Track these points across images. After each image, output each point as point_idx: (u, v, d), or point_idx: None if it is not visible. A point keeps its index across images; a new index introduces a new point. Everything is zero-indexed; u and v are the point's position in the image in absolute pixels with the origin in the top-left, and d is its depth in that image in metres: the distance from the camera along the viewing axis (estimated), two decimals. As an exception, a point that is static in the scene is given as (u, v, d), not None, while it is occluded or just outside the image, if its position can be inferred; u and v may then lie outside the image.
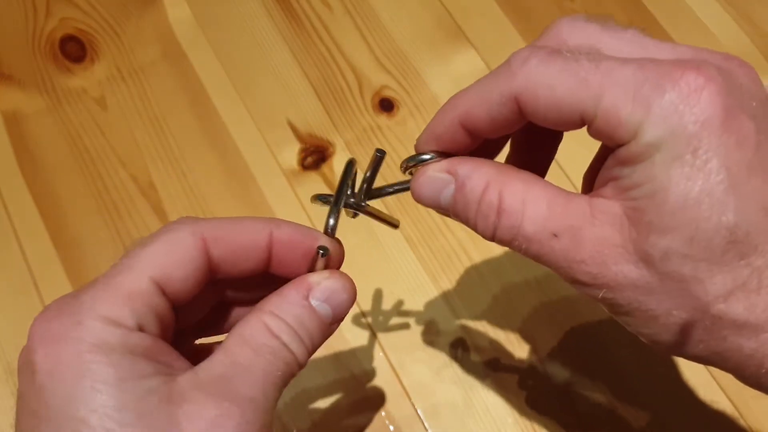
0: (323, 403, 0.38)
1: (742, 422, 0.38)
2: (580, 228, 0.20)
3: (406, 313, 0.40)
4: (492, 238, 0.22)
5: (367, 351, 0.39)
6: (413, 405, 0.38)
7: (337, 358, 0.39)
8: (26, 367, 0.20)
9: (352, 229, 0.42)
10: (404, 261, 0.41)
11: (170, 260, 0.21)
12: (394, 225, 0.27)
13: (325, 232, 0.24)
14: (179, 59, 0.47)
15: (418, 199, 0.24)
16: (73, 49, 0.47)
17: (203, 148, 0.44)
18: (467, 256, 0.41)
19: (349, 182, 0.25)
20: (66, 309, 0.20)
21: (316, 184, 0.43)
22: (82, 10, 0.48)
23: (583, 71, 0.19)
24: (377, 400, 0.38)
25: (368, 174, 0.25)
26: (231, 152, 0.44)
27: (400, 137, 0.45)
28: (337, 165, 0.44)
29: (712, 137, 0.18)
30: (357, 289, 0.25)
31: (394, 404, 0.38)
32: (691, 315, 0.19)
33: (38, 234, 0.41)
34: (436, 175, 0.23)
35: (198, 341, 0.26)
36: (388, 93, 0.46)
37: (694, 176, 0.18)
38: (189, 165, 0.44)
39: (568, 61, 0.20)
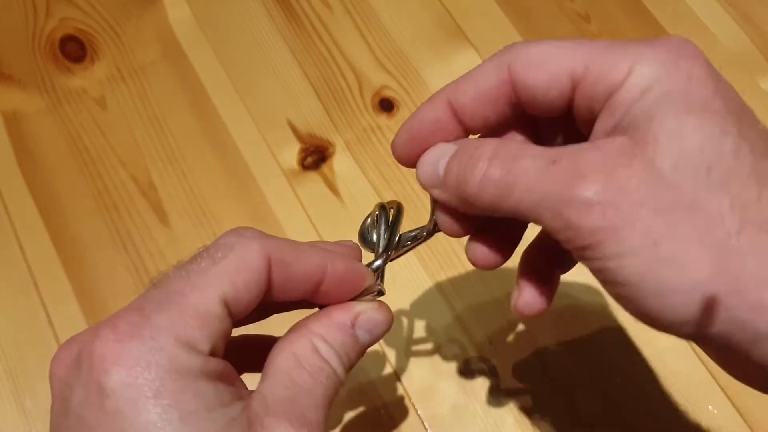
0: (323, 403, 0.38)
1: (742, 422, 0.38)
2: (581, 150, 0.20)
3: (406, 314, 0.40)
4: (480, 191, 0.22)
5: (366, 352, 0.39)
6: (413, 405, 0.38)
7: (337, 358, 0.39)
8: (92, 388, 0.18)
9: (352, 229, 0.42)
10: (404, 261, 0.41)
11: (241, 280, 0.21)
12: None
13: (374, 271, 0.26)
14: (179, 59, 0.47)
15: (420, 165, 0.24)
16: (73, 49, 0.47)
17: (203, 148, 0.44)
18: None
19: (398, 228, 0.27)
20: (141, 330, 0.19)
21: (316, 184, 0.43)
22: (82, 10, 0.48)
23: (570, 44, 0.21)
24: (377, 400, 0.38)
25: (393, 227, 0.28)
26: (231, 152, 0.44)
27: (400, 137, 0.45)
28: (336, 165, 0.44)
29: (701, 85, 0.20)
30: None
31: (394, 404, 0.38)
32: (706, 248, 0.18)
33: (38, 234, 0.41)
34: (443, 144, 0.24)
35: None
36: (388, 93, 0.46)
37: (688, 110, 0.19)
38: (189, 165, 0.44)
39: (552, 41, 0.22)
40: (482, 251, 0.26)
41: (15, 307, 0.40)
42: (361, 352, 0.24)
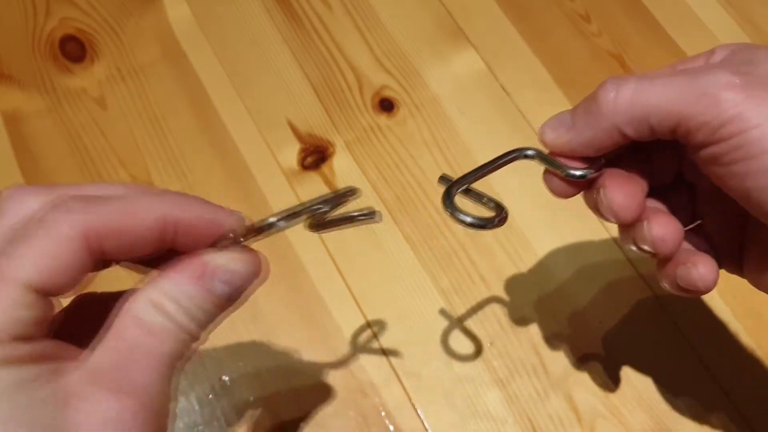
0: (322, 403, 0.38)
1: (742, 421, 0.38)
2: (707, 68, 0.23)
3: (406, 313, 0.40)
4: (616, 107, 0.23)
5: (367, 351, 0.39)
6: (413, 405, 0.38)
7: (337, 357, 0.39)
8: None
9: (352, 230, 0.42)
10: (404, 261, 0.41)
11: (47, 265, 0.19)
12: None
13: (259, 228, 0.22)
14: (179, 59, 0.47)
15: (544, 127, 0.27)
16: (73, 49, 0.47)
17: (203, 148, 0.44)
18: (467, 256, 0.41)
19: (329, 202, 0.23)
20: None
21: (316, 184, 0.43)
22: (81, 10, 0.48)
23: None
24: (377, 399, 0.38)
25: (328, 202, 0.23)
26: (231, 152, 0.44)
27: (400, 137, 0.45)
28: (336, 165, 0.44)
29: None
30: (267, 267, 0.23)
31: (394, 404, 0.38)
32: None
33: (38, 234, 0.41)
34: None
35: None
36: (388, 93, 0.46)
37: None
38: (189, 165, 0.44)
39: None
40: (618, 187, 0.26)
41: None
42: (222, 304, 0.22)
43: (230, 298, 0.22)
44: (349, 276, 0.41)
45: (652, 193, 0.28)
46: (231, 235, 0.22)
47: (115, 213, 0.20)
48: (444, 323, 0.40)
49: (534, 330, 0.40)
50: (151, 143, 0.44)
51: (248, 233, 0.22)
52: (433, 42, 0.48)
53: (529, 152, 0.27)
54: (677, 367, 0.39)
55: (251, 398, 0.38)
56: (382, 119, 0.46)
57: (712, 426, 0.38)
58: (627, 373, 0.39)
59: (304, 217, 0.23)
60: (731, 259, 0.28)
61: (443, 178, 0.27)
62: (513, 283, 0.41)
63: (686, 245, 0.28)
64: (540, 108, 0.46)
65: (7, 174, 0.43)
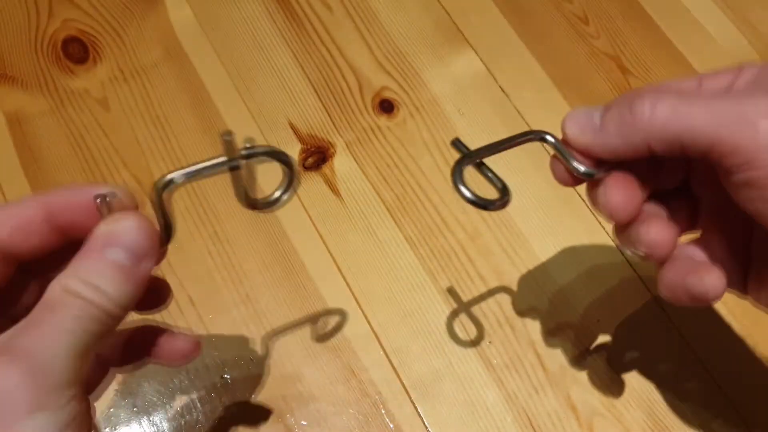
0: (323, 402, 0.38)
1: (739, 420, 0.38)
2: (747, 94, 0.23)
3: (406, 313, 0.40)
4: (653, 120, 0.23)
5: (367, 350, 0.39)
6: (413, 404, 0.38)
7: (338, 356, 0.39)
8: None
9: (352, 229, 0.42)
10: (404, 261, 0.42)
11: None
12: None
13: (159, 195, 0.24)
14: (181, 60, 0.47)
15: (569, 120, 0.26)
16: (76, 50, 0.47)
17: (205, 148, 0.44)
18: (467, 255, 0.42)
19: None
20: None
21: (317, 184, 0.44)
22: (84, 12, 0.49)
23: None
24: (377, 399, 0.38)
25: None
26: (232, 153, 0.44)
27: (400, 138, 0.45)
28: (337, 165, 0.44)
29: None
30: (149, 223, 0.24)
31: (394, 404, 0.38)
32: None
33: (41, 234, 0.42)
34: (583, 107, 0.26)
35: None
36: (388, 94, 0.47)
37: None
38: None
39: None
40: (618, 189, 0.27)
41: (18, 307, 0.40)
42: (127, 272, 0.22)
43: (135, 261, 0.23)
44: (349, 276, 0.41)
45: (655, 197, 0.28)
46: (107, 200, 0.23)
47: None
48: (443, 322, 0.40)
49: (532, 329, 0.40)
50: (153, 144, 0.44)
51: (159, 191, 0.24)
52: (432, 44, 0.48)
53: (548, 138, 0.27)
54: (675, 365, 0.40)
55: (252, 397, 0.38)
56: (383, 120, 0.46)
57: (710, 425, 0.38)
58: (625, 371, 0.39)
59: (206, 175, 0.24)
60: (733, 275, 0.28)
61: (457, 143, 0.26)
62: (512, 283, 0.41)
63: (696, 255, 0.28)
64: (538, 109, 0.46)
65: (10, 175, 0.43)
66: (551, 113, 0.46)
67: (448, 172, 0.40)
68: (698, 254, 0.28)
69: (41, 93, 0.46)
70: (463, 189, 0.25)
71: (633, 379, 0.39)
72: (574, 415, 0.38)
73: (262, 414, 0.38)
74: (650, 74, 0.48)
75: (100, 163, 0.44)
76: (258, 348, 0.39)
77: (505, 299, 0.41)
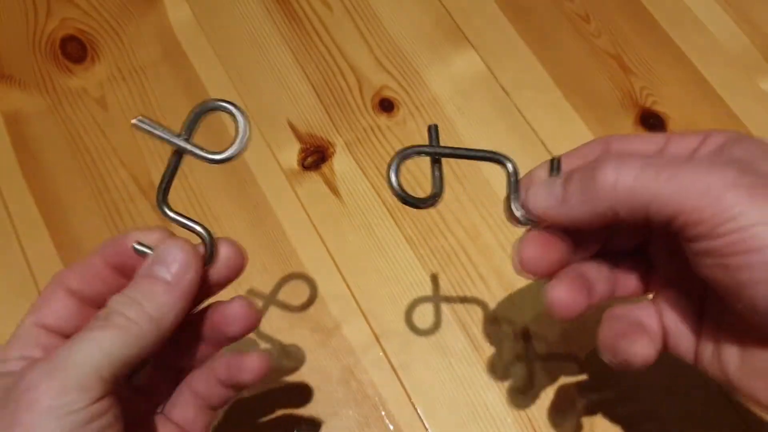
0: (323, 403, 0.38)
1: (737, 418, 0.38)
2: (683, 162, 0.23)
3: (406, 313, 0.40)
4: (616, 187, 0.23)
5: (367, 351, 0.39)
6: (413, 404, 0.38)
7: (337, 357, 0.39)
8: None
9: (352, 229, 0.42)
10: (404, 260, 0.42)
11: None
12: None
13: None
14: (180, 59, 0.47)
15: (531, 193, 0.26)
16: (74, 50, 0.47)
17: (204, 148, 0.44)
18: (467, 255, 0.42)
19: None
20: None
21: (316, 184, 0.44)
22: (82, 11, 0.48)
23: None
24: (377, 399, 0.38)
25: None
26: (231, 152, 0.44)
27: (400, 137, 0.45)
28: (337, 165, 0.44)
29: None
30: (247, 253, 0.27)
31: (394, 404, 0.38)
32: None
33: (39, 234, 0.42)
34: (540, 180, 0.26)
35: None
36: (388, 93, 0.46)
37: None
38: (189, 165, 0.44)
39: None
40: (564, 291, 0.27)
41: (15, 308, 0.40)
42: (170, 290, 0.24)
43: (178, 279, 0.25)
44: (348, 276, 0.41)
45: (606, 256, 0.29)
46: (137, 251, 0.26)
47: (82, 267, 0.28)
48: (444, 322, 0.40)
49: (534, 329, 0.40)
50: (152, 143, 0.44)
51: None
52: (433, 42, 0.48)
53: (508, 166, 0.26)
54: (674, 364, 0.40)
55: (252, 396, 0.38)
56: (382, 119, 0.46)
57: (710, 425, 0.38)
58: (629, 372, 0.39)
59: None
60: (682, 342, 0.28)
61: (431, 130, 0.26)
62: (512, 283, 0.41)
63: (637, 317, 0.28)
64: (539, 108, 0.46)
65: (8, 174, 0.43)
66: (552, 112, 0.46)
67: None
68: (641, 316, 0.28)
69: (39, 92, 0.46)
70: (394, 180, 0.25)
71: (632, 378, 0.39)
72: (577, 418, 0.38)
73: (261, 414, 0.38)
74: (651, 73, 0.47)
75: (99, 163, 0.43)
76: (256, 348, 0.39)
77: (505, 299, 0.41)
